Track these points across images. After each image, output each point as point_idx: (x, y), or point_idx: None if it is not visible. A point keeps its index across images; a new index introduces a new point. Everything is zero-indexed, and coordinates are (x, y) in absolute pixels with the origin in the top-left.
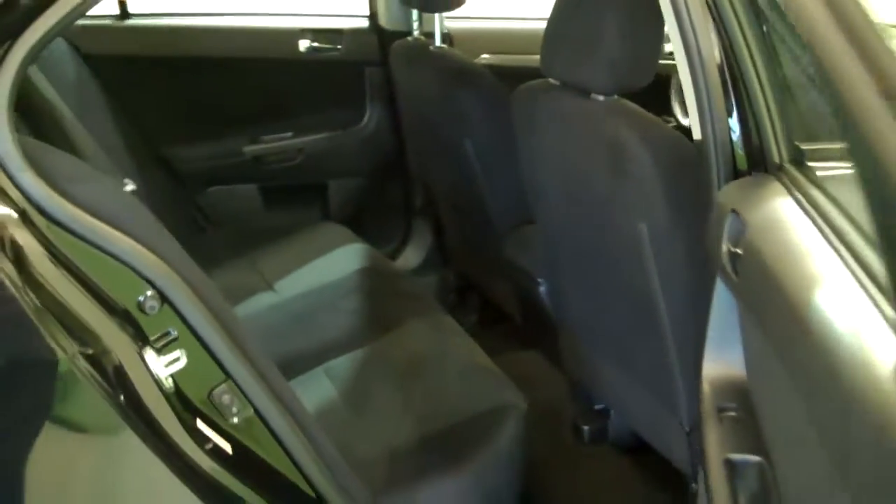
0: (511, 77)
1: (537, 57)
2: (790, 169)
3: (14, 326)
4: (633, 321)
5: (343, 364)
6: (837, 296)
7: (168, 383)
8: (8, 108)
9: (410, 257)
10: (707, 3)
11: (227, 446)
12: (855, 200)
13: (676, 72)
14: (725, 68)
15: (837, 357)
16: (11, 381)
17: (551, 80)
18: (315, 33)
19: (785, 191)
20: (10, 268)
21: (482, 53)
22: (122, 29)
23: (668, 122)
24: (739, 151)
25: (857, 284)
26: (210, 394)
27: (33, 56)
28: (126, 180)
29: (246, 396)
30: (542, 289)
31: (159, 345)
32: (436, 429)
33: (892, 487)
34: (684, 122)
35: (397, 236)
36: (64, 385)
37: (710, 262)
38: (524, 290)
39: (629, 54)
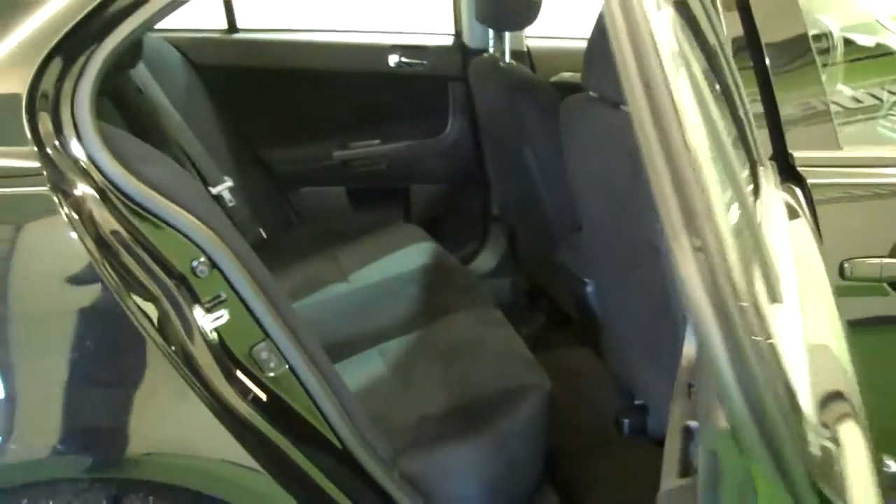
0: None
1: None
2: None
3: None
4: (658, 319)
5: (395, 346)
6: None
7: (213, 336)
8: (91, 100)
9: (486, 261)
10: None
11: (263, 395)
12: None
13: None
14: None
15: None
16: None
17: (591, 93)
18: (404, 49)
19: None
20: (90, 241)
21: (561, 71)
22: (229, 42)
23: None
24: None
25: None
26: (251, 350)
27: (114, 57)
28: (225, 177)
29: (282, 354)
30: (588, 289)
31: (209, 304)
32: (462, 402)
33: None
34: None
35: (474, 241)
36: (130, 336)
37: None
38: (576, 290)
39: None
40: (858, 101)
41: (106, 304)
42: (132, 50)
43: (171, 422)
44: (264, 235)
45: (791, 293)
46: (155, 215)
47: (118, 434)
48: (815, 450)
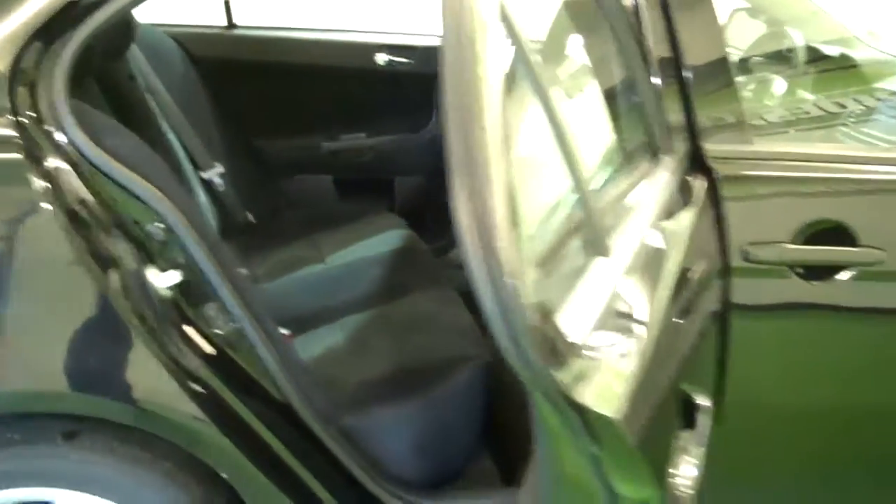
0: None
1: None
2: None
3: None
4: None
5: (355, 320)
6: None
7: (167, 294)
8: (65, 79)
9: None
10: None
11: (210, 350)
12: None
13: None
14: None
15: None
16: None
17: None
18: (391, 48)
19: None
20: (58, 205)
21: None
22: (227, 37)
23: None
24: None
25: None
26: (201, 308)
27: (90, 41)
28: (216, 163)
29: (230, 313)
30: None
31: (164, 265)
32: (405, 369)
33: None
34: None
35: (454, 231)
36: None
37: None
38: None
39: None
40: (822, 108)
41: (71, 259)
42: (120, 39)
43: (123, 368)
44: (252, 219)
45: (626, 255)
46: (116, 182)
47: (75, 374)
48: (570, 367)
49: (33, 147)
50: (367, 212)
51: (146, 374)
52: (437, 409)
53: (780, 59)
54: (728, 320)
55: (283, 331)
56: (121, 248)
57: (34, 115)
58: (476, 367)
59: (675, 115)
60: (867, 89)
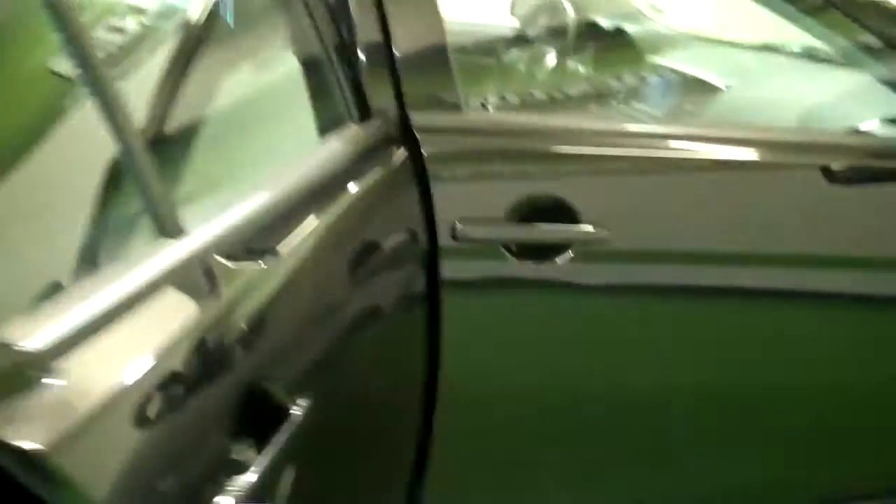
0: None
1: None
2: None
3: None
4: None
5: None
6: None
7: None
8: None
9: None
10: None
11: None
12: None
13: None
14: None
15: None
16: None
17: None
18: None
19: None
20: None
21: None
22: None
23: None
24: None
25: None
26: None
27: None
28: None
29: None
30: None
31: None
32: None
33: None
34: None
35: None
36: None
37: None
38: None
39: None
40: (593, 84)
41: None
42: None
43: None
44: None
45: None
46: None
47: None
48: None
49: None
50: None
51: None
52: None
53: (557, 33)
54: (438, 303)
55: None
56: None
57: None
58: None
59: (379, 84)
60: (646, 64)
